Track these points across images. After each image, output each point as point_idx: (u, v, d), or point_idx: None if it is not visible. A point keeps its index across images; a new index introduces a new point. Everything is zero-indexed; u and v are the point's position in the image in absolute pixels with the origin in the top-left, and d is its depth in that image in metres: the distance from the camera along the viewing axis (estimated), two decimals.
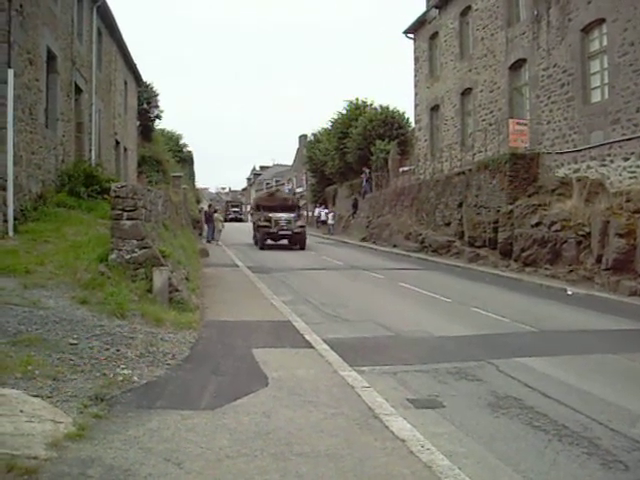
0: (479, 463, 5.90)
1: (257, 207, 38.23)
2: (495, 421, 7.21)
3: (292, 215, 35.63)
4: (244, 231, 51.34)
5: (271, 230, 34.57)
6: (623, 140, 20.47)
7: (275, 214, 34.98)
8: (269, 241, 35.38)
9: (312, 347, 10.09)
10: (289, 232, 34.71)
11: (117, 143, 30.35)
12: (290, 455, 5.50)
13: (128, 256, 12.02)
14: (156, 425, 6.11)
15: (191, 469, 5.13)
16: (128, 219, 12.11)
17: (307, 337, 10.83)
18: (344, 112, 49.84)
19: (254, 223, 38.93)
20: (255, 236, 37.54)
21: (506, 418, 7.31)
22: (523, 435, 6.75)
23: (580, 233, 19.40)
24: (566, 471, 5.83)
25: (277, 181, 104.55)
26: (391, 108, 47.16)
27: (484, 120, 29.75)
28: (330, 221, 48.35)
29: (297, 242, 35.16)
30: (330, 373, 8.51)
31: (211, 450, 5.55)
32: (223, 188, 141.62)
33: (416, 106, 38.35)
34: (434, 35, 35.64)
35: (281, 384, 7.77)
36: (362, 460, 5.48)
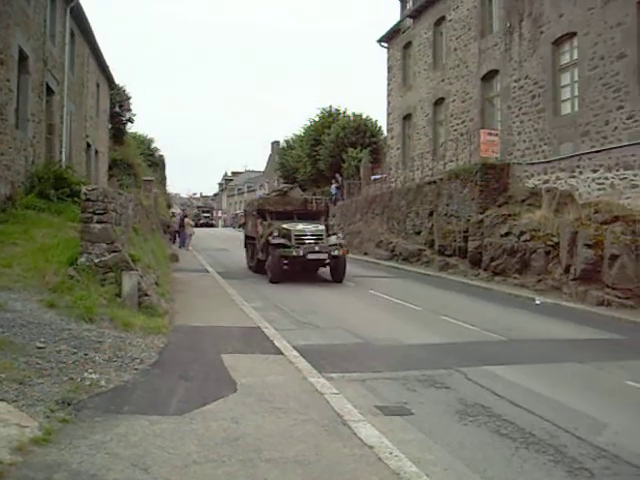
0: (447, 470, 5.93)
1: (260, 214, 24.09)
2: (463, 428, 7.24)
3: (320, 227, 22.73)
4: (215, 236, 51.15)
5: (293, 253, 21.31)
6: (592, 152, 20.74)
7: (294, 225, 22.46)
8: (285, 267, 22.04)
9: (282, 353, 10.07)
10: (323, 255, 21.79)
11: (88, 146, 30.12)
12: (258, 461, 5.49)
13: (97, 260, 11.93)
14: (123, 430, 6.06)
15: (158, 474, 5.10)
16: (98, 222, 12.03)
17: (277, 343, 10.81)
18: (317, 119, 49.95)
19: (249, 238, 26.41)
20: (254, 257, 24.79)
21: (474, 426, 7.34)
22: (491, 442, 6.79)
23: (549, 243, 19.57)
24: (533, 478, 5.88)
25: (249, 187, 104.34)
26: (364, 116, 47.37)
27: (456, 130, 29.97)
28: None
29: (336, 271, 22.38)
30: (299, 379, 8.50)
31: (179, 456, 5.51)
32: (194, 193, 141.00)
33: (389, 114, 38.50)
34: (408, 44, 35.84)
35: (250, 390, 7.74)
36: (330, 466, 5.48)
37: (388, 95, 38.53)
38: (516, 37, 25.06)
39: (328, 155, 44.78)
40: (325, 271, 23.39)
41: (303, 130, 51.74)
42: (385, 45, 38.59)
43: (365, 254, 33.90)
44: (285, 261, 21.77)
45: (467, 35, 29.08)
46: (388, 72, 38.44)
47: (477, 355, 11.12)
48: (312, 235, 22.09)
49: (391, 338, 12.47)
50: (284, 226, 22.27)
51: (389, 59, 38.41)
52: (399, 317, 15.23)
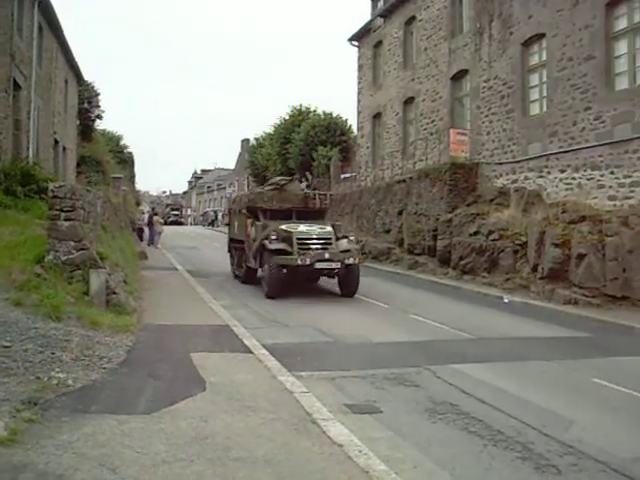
0: (416, 468, 5.95)
1: (251, 212, 20.46)
2: (432, 426, 7.28)
3: (327, 228, 19.00)
4: (184, 234, 50.92)
5: (297, 261, 17.45)
6: (560, 152, 20.94)
7: (295, 226, 18.71)
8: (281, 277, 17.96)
9: (251, 352, 10.04)
10: (335, 265, 17.71)
11: (56, 142, 29.76)
12: (227, 460, 5.47)
13: (65, 257, 11.81)
14: (91, 430, 6.00)
15: (126, 474, 5.06)
16: (66, 220, 11.90)
17: (246, 342, 10.78)
18: (287, 117, 49.88)
19: (235, 241, 22.56)
20: (241, 265, 21.27)
21: (443, 423, 7.38)
22: (459, 440, 6.84)
23: (517, 242, 19.73)
24: (501, 475, 5.93)
25: (219, 185, 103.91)
26: (334, 115, 47.38)
27: (425, 129, 30.09)
28: None
29: (347, 283, 18.43)
30: (268, 378, 8.48)
31: (147, 455, 5.47)
32: (164, 191, 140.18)
33: (359, 113, 38.55)
34: (378, 43, 35.91)
35: (219, 389, 7.71)
36: (300, 465, 5.47)
37: (358, 94, 38.57)
38: (486, 37, 25.22)
39: (298, 153, 44.73)
40: (329, 282, 19.90)
41: (273, 128, 51.65)
42: (356, 44, 38.63)
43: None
44: (284, 271, 17.66)
45: (437, 35, 29.19)
46: (359, 71, 38.49)
47: (446, 353, 11.18)
48: (319, 239, 18.14)
49: (360, 336, 12.49)
50: (283, 227, 18.40)
51: (360, 58, 38.47)
52: (368, 315, 15.28)
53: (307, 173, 43.58)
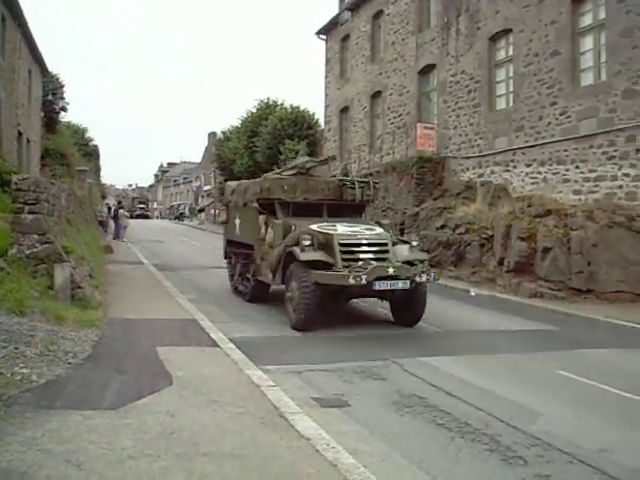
0: (384, 461, 5.94)
1: (264, 206, 15.12)
2: (400, 419, 7.28)
3: (378, 229, 13.81)
4: (150, 228, 50.58)
5: (350, 280, 11.83)
6: (526, 147, 21.13)
7: (332, 227, 13.41)
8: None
9: (218, 346, 9.97)
10: (403, 284, 12.42)
11: (20, 134, 29.32)
12: (195, 455, 5.41)
13: (29, 251, 11.64)
14: (56, 426, 5.91)
15: (92, 470, 4.98)
16: (29, 213, 11.74)
17: (213, 335, 10.70)
18: (254, 111, 49.64)
19: (235, 244, 17.30)
20: (247, 277, 16.25)
21: (410, 416, 7.39)
22: (427, 433, 6.85)
23: (483, 236, 19.86)
24: (468, 467, 5.94)
25: (185, 178, 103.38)
26: (302, 108, 47.24)
27: (393, 123, 30.14)
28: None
29: (411, 308, 13.32)
30: (236, 372, 8.43)
31: (113, 451, 5.40)
32: (130, 185, 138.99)
33: (326, 107, 38.52)
34: (346, 37, 35.88)
35: (186, 383, 7.64)
36: (268, 459, 5.43)
37: (326, 87, 38.54)
38: (453, 32, 25.32)
39: (265, 147, 44.51)
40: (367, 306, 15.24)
41: (240, 122, 51.37)
42: (323, 37, 38.55)
43: None
44: (330, 294, 12.51)
45: (405, 29, 29.24)
46: (326, 64, 38.44)
47: (413, 346, 11.24)
48: (370, 245, 12.85)
49: (327, 329, 12.48)
50: (315, 228, 13.09)
51: (327, 51, 38.40)
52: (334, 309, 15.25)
53: (274, 167, 43.42)
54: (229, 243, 17.95)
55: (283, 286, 13.49)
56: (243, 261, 16.58)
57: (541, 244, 17.19)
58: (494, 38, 23.31)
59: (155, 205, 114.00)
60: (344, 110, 36.20)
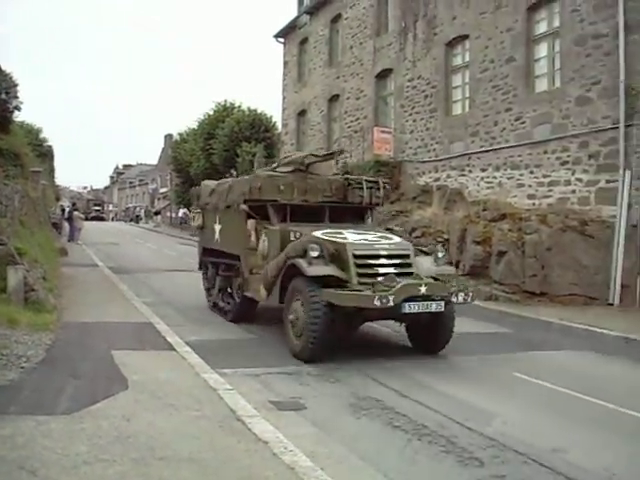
0: (341, 463, 5.95)
1: (255, 208, 12.62)
2: (356, 422, 7.30)
3: (395, 238, 11.47)
4: (106, 230, 50.06)
5: (375, 302, 9.43)
6: (481, 152, 21.37)
7: (340, 234, 11.08)
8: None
9: (174, 349, 9.89)
10: (437, 306, 10.00)
11: None
12: (151, 459, 5.35)
13: None
14: (9, 432, 5.80)
15: (47, 476, 4.90)
16: None
17: (169, 339, 10.61)
18: (211, 113, 49.45)
19: (214, 253, 15.06)
20: (229, 292, 14.21)
21: (367, 419, 7.41)
22: (384, 435, 6.87)
23: (439, 240, 19.94)
24: (425, 468, 5.98)
25: (141, 180, 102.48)
26: (259, 111, 47.23)
27: (350, 127, 30.25)
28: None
29: (436, 333, 10.96)
30: (192, 375, 8.36)
31: (68, 456, 5.31)
32: (85, 186, 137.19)
33: (284, 110, 38.51)
34: (304, 40, 35.92)
35: (142, 387, 7.56)
36: (225, 463, 5.40)
37: (283, 90, 38.53)
38: (410, 37, 25.51)
39: (222, 149, 44.37)
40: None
41: (197, 124, 51.13)
42: (282, 40, 38.53)
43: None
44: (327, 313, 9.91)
45: (363, 33, 29.38)
46: (284, 67, 38.42)
47: (369, 349, 11.26)
48: (390, 257, 10.65)
49: (284, 332, 12.44)
50: (319, 235, 10.90)
51: (285, 55, 38.39)
52: None
53: (231, 170, 43.30)
54: (206, 252, 15.63)
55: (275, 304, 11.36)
56: (224, 273, 14.26)
57: (496, 248, 17.36)
58: (451, 44, 23.53)
59: (110, 207, 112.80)
60: (301, 113, 36.22)
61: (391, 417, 7.44)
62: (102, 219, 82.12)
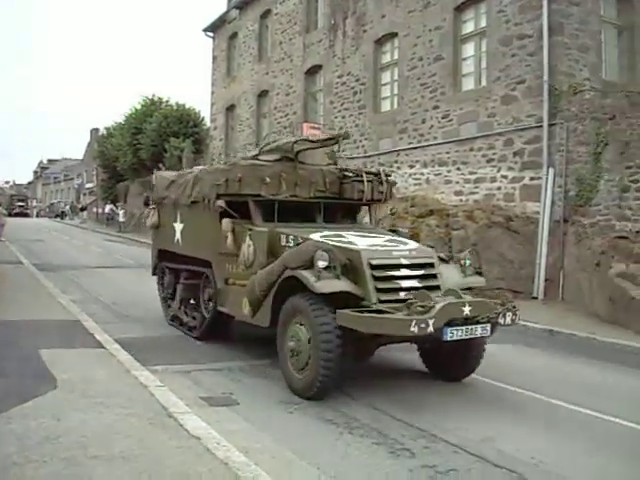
0: (275, 458, 5.97)
1: (233, 205, 10.18)
2: (289, 417, 7.34)
3: (411, 243, 9.69)
4: (29, 227, 48.90)
5: (412, 328, 7.20)
6: (409, 149, 21.64)
7: (344, 238, 9.10)
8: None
9: (103, 347, 9.71)
10: (482, 330, 7.92)
11: None
12: (83, 459, 5.26)
13: None
14: None
15: None
16: None
17: (98, 337, 10.41)
18: (139, 107, 48.78)
19: (173, 259, 12.75)
20: (194, 305, 11.84)
21: (299, 413, 7.46)
22: (316, 429, 6.93)
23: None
24: (357, 461, 6.05)
25: (66, 175, 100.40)
26: (187, 106, 46.81)
27: (279, 123, 30.25)
28: (121, 219, 47.01)
29: (464, 358, 8.91)
30: (122, 373, 8.23)
31: None
32: (7, 182, 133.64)
33: (212, 105, 38.30)
34: (233, 35, 35.75)
35: (71, 386, 7.41)
36: (158, 460, 5.35)
37: (212, 85, 38.31)
38: (340, 34, 25.64)
39: (150, 144, 43.81)
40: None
41: (124, 118, 50.36)
42: (211, 35, 38.27)
43: None
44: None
45: (292, 29, 29.41)
46: (213, 62, 38.19)
47: None
48: (412, 266, 8.65)
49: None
50: (326, 241, 8.75)
51: (214, 49, 38.15)
52: None
53: (159, 165, 42.80)
54: (162, 255, 13.35)
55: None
56: (188, 281, 12.02)
57: (424, 243, 17.55)
58: (380, 41, 23.75)
59: (34, 203, 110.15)
60: (230, 109, 36.07)
61: (322, 411, 7.49)
62: (26, 215, 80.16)
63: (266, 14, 32.26)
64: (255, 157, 10.98)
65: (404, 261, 8.53)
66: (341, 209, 11.36)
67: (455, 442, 6.58)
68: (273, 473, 5.29)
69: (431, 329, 7.29)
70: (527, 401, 8.36)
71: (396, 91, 22.88)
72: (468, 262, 9.49)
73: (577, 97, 16.39)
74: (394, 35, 22.85)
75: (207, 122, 42.60)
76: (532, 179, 17.30)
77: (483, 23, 19.28)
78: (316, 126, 26.62)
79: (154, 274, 14.07)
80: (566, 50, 16.96)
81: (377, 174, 11.14)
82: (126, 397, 7.10)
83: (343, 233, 9.47)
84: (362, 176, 10.76)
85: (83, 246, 33.47)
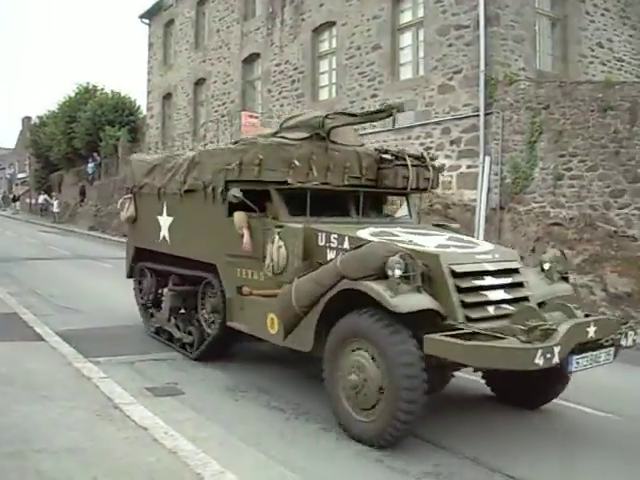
0: (222, 445, 5.99)
1: (252, 195, 8.08)
2: (235, 404, 7.39)
3: (486, 245, 7.81)
4: None
5: (537, 360, 5.57)
6: None
7: (398, 236, 7.41)
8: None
9: (43, 340, 9.54)
10: (606, 355, 6.45)
11: None
12: (29, 452, 5.20)
13: None
14: None
15: None
16: None
17: (37, 330, 10.22)
18: (73, 95, 47.85)
19: (156, 259, 10.88)
20: (190, 321, 9.76)
21: (245, 400, 7.53)
22: (262, 416, 6.99)
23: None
24: (304, 446, 6.17)
25: None
26: (123, 94, 46.11)
27: (217, 111, 30.06)
28: (55, 209, 46.10)
29: (550, 382, 7.23)
30: (64, 365, 8.12)
31: None
32: None
33: (149, 93, 37.81)
34: (170, 22, 35.31)
35: (12, 379, 7.27)
36: (105, 451, 5.32)
37: (148, 73, 37.79)
38: (278, 23, 25.57)
39: (84, 133, 43.03)
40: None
41: (58, 106, 49.34)
42: (147, 22, 37.69)
43: (125, 235, 33.13)
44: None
45: (230, 17, 29.21)
46: (149, 50, 37.64)
47: (245, 335, 11.28)
48: (497, 274, 6.84)
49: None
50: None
51: (150, 36, 37.59)
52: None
53: (94, 154, 42.15)
54: (141, 254, 11.46)
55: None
56: (180, 288, 10.10)
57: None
58: (318, 30, 23.76)
59: None
60: (167, 97, 35.65)
61: (267, 398, 7.58)
62: None
63: (203, 1, 31.93)
64: (275, 134, 8.78)
65: (489, 267, 6.78)
66: (379, 200, 9.61)
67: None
68: (222, 460, 5.31)
69: (557, 359, 5.73)
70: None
71: (334, 80, 22.94)
72: (552, 265, 7.61)
73: (512, 87, 16.68)
74: (332, 24, 22.89)
75: (143, 110, 42.04)
76: (469, 167, 17.56)
77: (421, 13, 19.44)
78: (254, 115, 26.59)
79: (130, 276, 12.07)
80: (502, 41, 17.24)
81: (421, 157, 8.96)
82: (70, 390, 7.03)
83: (391, 230, 7.74)
84: (406, 159, 8.63)
85: (17, 237, 32.73)
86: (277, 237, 7.54)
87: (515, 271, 7.02)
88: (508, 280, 6.84)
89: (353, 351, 6.38)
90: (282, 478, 5.31)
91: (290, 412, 7.07)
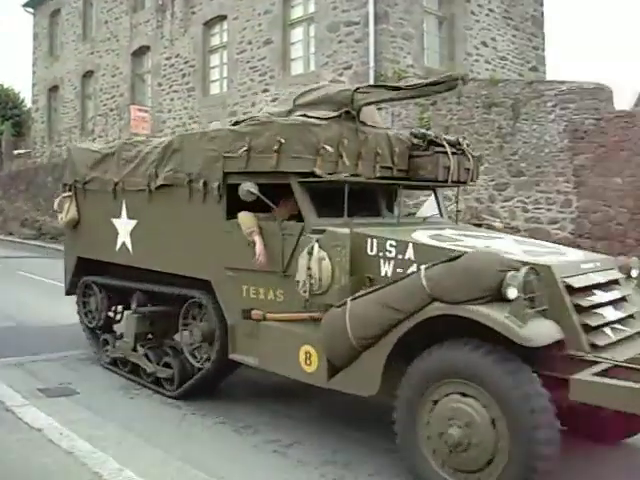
0: (120, 444, 5.92)
1: (269, 189, 6.07)
2: (130, 402, 7.30)
3: (569, 250, 6.27)
4: None
5: None
6: None
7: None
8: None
9: None
10: None
11: None
12: None
13: None
14: None
15: None
16: None
17: None
18: None
19: (115, 273, 8.62)
20: (171, 354, 7.51)
21: (140, 398, 7.44)
22: (159, 413, 6.94)
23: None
24: (201, 440, 6.16)
25: None
26: (6, 86, 44.55)
27: (105, 105, 29.46)
28: None
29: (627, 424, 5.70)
30: None
31: None
32: None
33: (33, 85, 36.55)
34: (56, 12, 34.22)
35: None
36: None
37: (33, 65, 36.51)
38: (168, 15, 25.27)
39: None
40: None
41: None
42: (31, 11, 36.36)
43: (10, 234, 32.18)
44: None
45: (119, 9, 28.62)
46: (34, 40, 36.32)
47: None
48: (605, 287, 5.43)
49: (46, 319, 12.00)
50: (430, 243, 5.59)
51: (35, 26, 36.27)
52: (53, 297, 14.59)
53: None
54: (86, 266, 9.33)
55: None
56: (149, 309, 8.12)
57: None
58: (209, 24, 23.65)
59: None
60: (53, 89, 34.60)
61: (164, 395, 7.50)
62: None
63: None
64: (289, 112, 6.90)
65: (599, 278, 5.42)
66: (391, 195, 7.71)
67: (295, 416, 6.75)
68: (120, 458, 5.29)
69: None
70: None
71: (225, 74, 22.90)
72: (637, 272, 6.14)
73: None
74: (223, 18, 22.83)
75: (28, 103, 40.73)
76: None
77: (312, 9, 19.65)
78: (144, 109, 26.21)
79: (69, 293, 9.92)
80: (391, 38, 17.63)
81: (458, 144, 7.20)
82: None
83: (443, 233, 6.20)
84: (445, 146, 6.87)
85: None
86: (316, 246, 5.66)
87: (617, 283, 5.70)
88: (616, 294, 5.49)
89: (448, 396, 4.79)
90: (181, 473, 5.30)
91: (186, 408, 7.02)
